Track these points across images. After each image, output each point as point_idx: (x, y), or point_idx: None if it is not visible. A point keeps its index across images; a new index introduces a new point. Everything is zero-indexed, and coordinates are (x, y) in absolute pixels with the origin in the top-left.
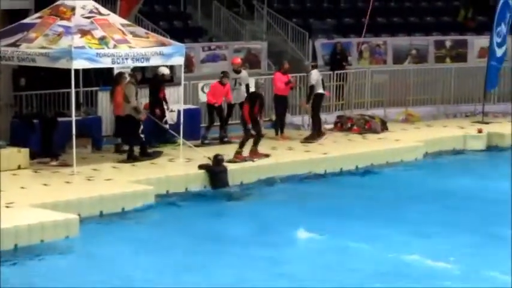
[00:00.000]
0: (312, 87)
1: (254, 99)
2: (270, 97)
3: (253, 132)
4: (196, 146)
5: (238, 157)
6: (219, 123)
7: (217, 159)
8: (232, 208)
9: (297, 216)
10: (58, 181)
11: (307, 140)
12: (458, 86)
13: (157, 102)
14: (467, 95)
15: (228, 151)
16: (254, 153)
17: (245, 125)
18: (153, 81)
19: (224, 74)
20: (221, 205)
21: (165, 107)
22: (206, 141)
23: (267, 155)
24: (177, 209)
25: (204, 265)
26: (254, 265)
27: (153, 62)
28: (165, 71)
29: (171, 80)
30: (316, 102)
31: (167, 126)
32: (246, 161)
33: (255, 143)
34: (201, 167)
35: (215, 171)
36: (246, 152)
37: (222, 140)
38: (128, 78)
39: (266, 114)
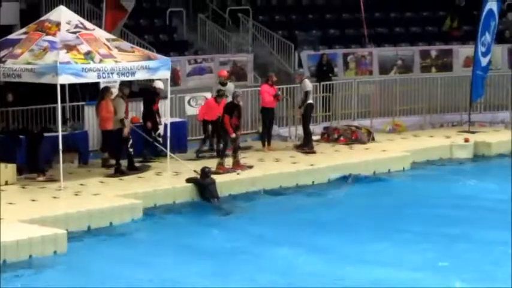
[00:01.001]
0: (307, 94)
1: (232, 109)
2: (256, 109)
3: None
4: (190, 160)
5: (221, 168)
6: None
7: (205, 172)
8: (220, 222)
9: (284, 228)
10: (45, 196)
11: (300, 147)
12: (444, 96)
13: (150, 115)
14: (454, 105)
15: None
16: (237, 165)
17: (226, 135)
18: (148, 94)
19: (218, 94)
20: (209, 219)
21: (158, 119)
22: (201, 155)
23: (250, 167)
24: (165, 223)
25: (189, 279)
26: (243, 279)
27: (139, 76)
28: (159, 84)
29: (165, 96)
30: (307, 112)
31: (160, 139)
32: (229, 172)
33: (235, 154)
34: (188, 180)
35: (203, 184)
36: (229, 163)
37: (219, 153)
38: (116, 93)
39: (253, 126)
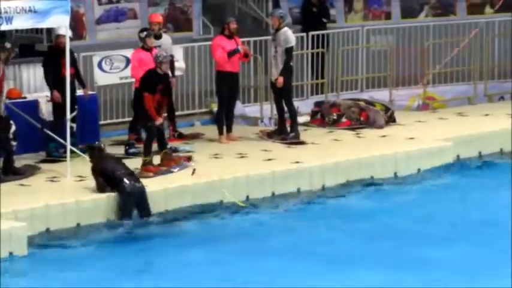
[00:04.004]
0: (290, 52)
1: (153, 82)
2: (207, 75)
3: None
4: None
5: (149, 170)
6: None
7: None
8: (146, 255)
9: (237, 269)
10: None
11: (277, 135)
12: (506, 52)
13: (58, 84)
14: None
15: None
16: (168, 160)
17: (147, 120)
18: (50, 51)
19: (147, 34)
20: (129, 251)
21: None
22: (132, 151)
23: (188, 158)
24: (63, 262)
25: None
26: None
27: (19, 23)
28: (63, 30)
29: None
30: (287, 80)
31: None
32: (163, 173)
33: (162, 146)
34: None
35: (130, 194)
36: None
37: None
38: None
39: (203, 102)
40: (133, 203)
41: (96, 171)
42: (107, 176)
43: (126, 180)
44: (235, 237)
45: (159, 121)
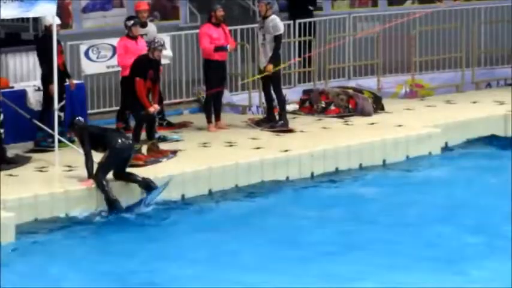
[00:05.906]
0: (279, 39)
1: (144, 67)
2: (195, 64)
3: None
4: None
5: (139, 158)
6: None
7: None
8: (136, 243)
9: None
10: None
11: (266, 123)
12: (493, 38)
13: (51, 74)
14: (509, 53)
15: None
16: (156, 151)
17: (137, 108)
18: (41, 40)
19: (134, 22)
20: (118, 240)
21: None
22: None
23: (174, 152)
24: (50, 251)
25: None
26: None
27: (6, 12)
28: (49, 19)
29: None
30: (276, 68)
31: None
32: (151, 162)
33: (150, 135)
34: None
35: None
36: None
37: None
38: None
39: (190, 91)
40: (120, 160)
41: (84, 138)
42: (95, 139)
43: (117, 139)
44: (226, 225)
45: (153, 108)
